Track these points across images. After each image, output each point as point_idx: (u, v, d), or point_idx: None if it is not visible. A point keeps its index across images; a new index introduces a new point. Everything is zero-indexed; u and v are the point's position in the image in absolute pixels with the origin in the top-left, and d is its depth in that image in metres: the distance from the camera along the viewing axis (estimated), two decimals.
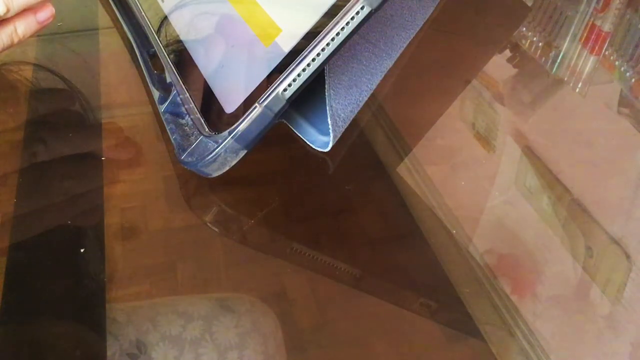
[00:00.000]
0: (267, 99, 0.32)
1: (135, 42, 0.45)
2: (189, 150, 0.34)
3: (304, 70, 0.32)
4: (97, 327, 0.29)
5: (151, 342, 0.29)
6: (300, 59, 0.32)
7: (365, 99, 0.39)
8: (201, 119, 0.35)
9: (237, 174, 0.35)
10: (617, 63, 0.55)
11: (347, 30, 0.31)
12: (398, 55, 0.42)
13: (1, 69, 0.44)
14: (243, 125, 0.33)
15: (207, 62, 0.37)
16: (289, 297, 0.32)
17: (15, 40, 0.37)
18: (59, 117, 0.42)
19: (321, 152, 0.37)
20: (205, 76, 0.37)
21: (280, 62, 0.33)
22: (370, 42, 0.41)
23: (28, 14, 0.37)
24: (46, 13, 0.37)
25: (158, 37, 0.41)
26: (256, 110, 0.32)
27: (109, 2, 0.50)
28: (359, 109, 0.38)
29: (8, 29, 0.36)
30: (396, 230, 0.37)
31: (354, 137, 0.42)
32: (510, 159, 0.43)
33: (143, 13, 0.44)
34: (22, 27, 0.37)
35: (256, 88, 0.33)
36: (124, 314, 0.30)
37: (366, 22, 0.31)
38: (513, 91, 0.50)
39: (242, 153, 0.34)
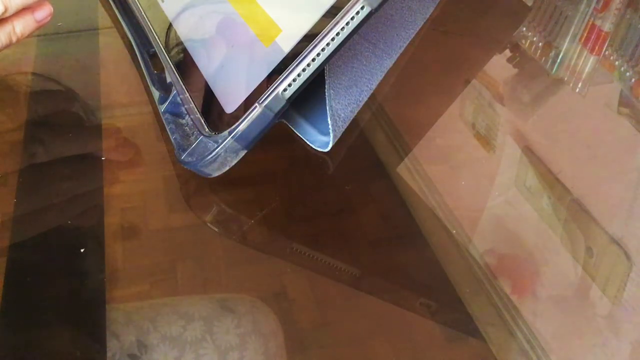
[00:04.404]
0: (267, 99, 0.32)
1: (135, 42, 0.45)
2: (189, 150, 0.34)
3: (304, 70, 0.32)
4: (97, 328, 0.29)
5: (152, 343, 0.29)
6: (300, 59, 0.32)
7: (365, 99, 0.39)
8: (201, 119, 0.35)
9: (237, 174, 0.35)
10: (617, 63, 0.55)
11: (347, 30, 0.31)
12: (398, 55, 0.42)
13: (1, 69, 0.44)
14: (243, 125, 0.33)
15: (207, 62, 0.37)
16: (289, 297, 0.32)
17: (14, 39, 0.37)
18: (58, 117, 0.42)
19: (321, 152, 0.37)
20: (205, 76, 0.37)
21: (280, 62, 0.33)
22: (370, 42, 0.41)
23: (26, 13, 0.37)
24: (44, 12, 0.37)
25: (158, 37, 0.41)
26: (256, 110, 0.32)
27: (109, 2, 0.50)
28: (359, 109, 0.38)
29: (6, 28, 0.36)
30: (396, 230, 0.37)
31: (354, 137, 0.42)
32: (510, 159, 0.43)
33: (143, 13, 0.44)
34: (21, 26, 0.37)
35: (256, 88, 0.33)
36: (125, 314, 0.30)
37: (366, 22, 0.31)
38: (513, 91, 0.50)
39: (242, 153, 0.34)
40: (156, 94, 0.40)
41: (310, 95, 0.35)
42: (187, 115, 0.36)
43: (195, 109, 0.36)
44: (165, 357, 0.29)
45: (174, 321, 0.30)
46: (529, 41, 0.56)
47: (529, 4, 0.62)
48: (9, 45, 0.37)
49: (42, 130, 0.40)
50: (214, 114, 0.35)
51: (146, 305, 0.31)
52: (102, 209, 0.35)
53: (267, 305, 0.32)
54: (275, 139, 0.39)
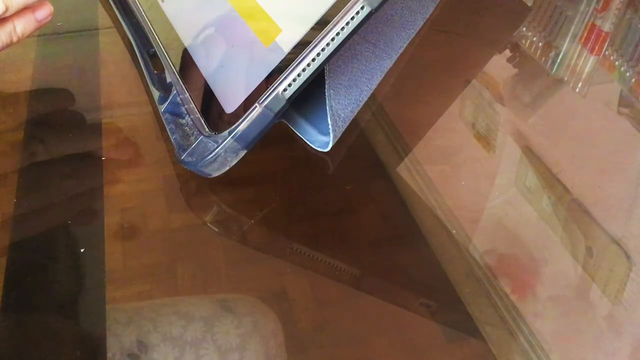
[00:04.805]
0: (267, 99, 0.32)
1: (135, 42, 0.45)
2: (189, 150, 0.34)
3: (304, 70, 0.32)
4: (97, 328, 0.29)
5: (152, 343, 0.29)
6: (300, 59, 0.32)
7: (365, 99, 0.39)
8: (201, 119, 0.35)
9: (237, 174, 0.35)
10: (617, 63, 0.55)
11: (347, 30, 0.31)
12: (398, 55, 0.42)
13: (1, 69, 0.44)
14: (243, 125, 0.33)
15: (207, 62, 0.37)
16: (289, 297, 0.32)
17: (15, 39, 0.37)
18: (58, 117, 0.42)
19: (321, 152, 0.37)
20: (205, 76, 0.37)
21: (280, 62, 0.33)
22: (370, 42, 0.41)
23: (27, 12, 0.37)
24: (45, 11, 0.38)
25: (158, 37, 0.41)
26: (256, 110, 0.32)
27: (109, 2, 0.50)
28: (359, 109, 0.38)
29: (7, 28, 0.36)
30: (396, 230, 0.37)
31: (354, 137, 0.42)
32: (510, 159, 0.43)
33: (143, 13, 0.44)
34: (21, 26, 0.37)
35: (256, 88, 0.33)
36: (125, 314, 0.30)
37: (366, 22, 0.31)
38: (513, 91, 0.50)
39: (242, 153, 0.34)
40: (156, 94, 0.40)
41: (310, 95, 0.35)
42: (187, 115, 0.36)
43: (195, 109, 0.36)
44: (165, 358, 0.29)
45: (174, 321, 0.30)
46: (529, 41, 0.56)
47: (529, 4, 0.62)
48: (10, 44, 0.37)
49: (42, 129, 0.40)
50: (214, 114, 0.35)
51: (147, 305, 0.31)
52: (102, 209, 0.35)
53: (267, 305, 0.32)
54: (275, 139, 0.39)
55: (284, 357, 0.30)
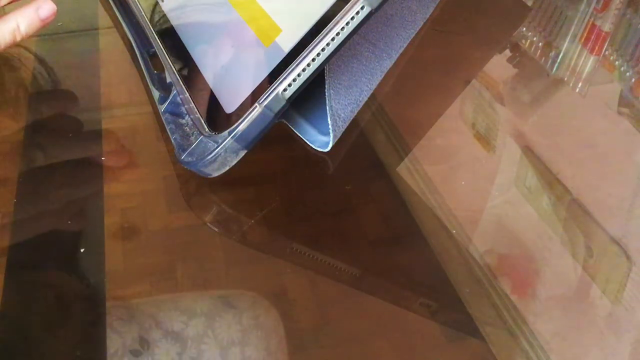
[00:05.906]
0: (267, 99, 0.32)
1: (135, 42, 0.45)
2: (189, 150, 0.34)
3: (304, 70, 0.32)
4: (97, 328, 0.29)
5: (154, 339, 0.29)
6: (300, 59, 0.32)
7: (365, 99, 0.39)
8: (201, 119, 0.35)
9: (237, 174, 0.35)
10: (617, 63, 0.55)
11: (347, 30, 0.31)
12: (398, 55, 0.42)
13: (1, 69, 0.44)
14: (243, 125, 0.33)
15: (207, 62, 0.37)
16: (289, 297, 0.32)
17: (18, 38, 0.37)
18: (58, 117, 0.42)
19: (321, 152, 0.37)
20: (205, 76, 0.37)
21: (280, 62, 0.33)
22: (370, 42, 0.41)
23: (30, 11, 0.37)
24: (48, 10, 0.38)
25: (158, 37, 0.41)
26: (256, 110, 0.32)
27: (109, 2, 0.50)
28: (359, 109, 0.38)
29: (11, 27, 0.36)
30: (396, 230, 0.37)
31: (354, 137, 0.42)
32: (510, 159, 0.43)
33: (143, 13, 0.44)
34: (25, 25, 0.37)
35: (256, 88, 0.33)
36: (126, 311, 0.30)
37: (366, 22, 0.31)
38: (513, 91, 0.50)
39: (242, 153, 0.34)
40: (156, 94, 0.40)
41: (310, 95, 0.35)
42: (187, 115, 0.36)
43: (195, 109, 0.36)
44: (167, 353, 0.29)
45: (175, 317, 0.30)
46: (529, 41, 0.56)
47: (529, 4, 0.62)
48: (13, 43, 0.37)
49: (42, 129, 0.40)
50: (214, 114, 0.35)
51: (147, 301, 0.31)
52: (102, 209, 0.35)
53: (268, 301, 0.32)
54: (275, 139, 0.39)
55: (285, 353, 0.30)
